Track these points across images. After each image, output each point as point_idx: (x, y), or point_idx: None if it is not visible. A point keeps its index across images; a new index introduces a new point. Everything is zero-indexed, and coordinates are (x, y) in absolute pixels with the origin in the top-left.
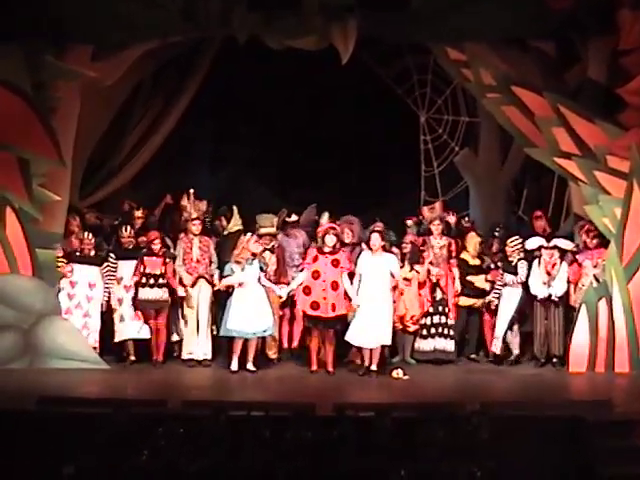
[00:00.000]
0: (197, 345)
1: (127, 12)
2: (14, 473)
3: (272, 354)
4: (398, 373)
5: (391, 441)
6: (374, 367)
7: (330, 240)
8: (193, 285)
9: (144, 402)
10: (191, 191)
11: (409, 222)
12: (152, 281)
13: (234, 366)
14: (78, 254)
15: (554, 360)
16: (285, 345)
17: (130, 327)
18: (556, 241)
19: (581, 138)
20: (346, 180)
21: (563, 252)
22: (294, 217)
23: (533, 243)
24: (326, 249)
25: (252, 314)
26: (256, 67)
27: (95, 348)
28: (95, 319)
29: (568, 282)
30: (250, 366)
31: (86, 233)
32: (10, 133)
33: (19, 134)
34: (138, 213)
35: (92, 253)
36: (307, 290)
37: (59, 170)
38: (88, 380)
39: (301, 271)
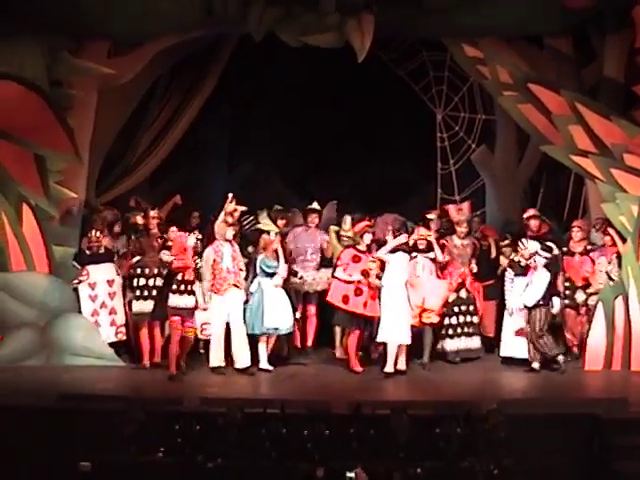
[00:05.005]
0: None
1: (145, 8)
2: (33, 468)
3: (284, 352)
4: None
5: (408, 439)
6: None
7: (367, 238)
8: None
9: (160, 400)
10: (230, 195)
11: (431, 215)
12: (182, 287)
13: (266, 364)
14: (88, 253)
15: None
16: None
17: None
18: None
19: (598, 136)
20: (362, 177)
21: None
22: (315, 204)
23: (530, 247)
24: (362, 247)
25: (283, 311)
26: (272, 65)
27: (122, 342)
28: (120, 314)
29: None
30: (267, 364)
31: (93, 231)
32: (27, 130)
33: (36, 131)
34: (153, 213)
35: (102, 250)
36: (359, 291)
37: (75, 167)
38: (105, 377)
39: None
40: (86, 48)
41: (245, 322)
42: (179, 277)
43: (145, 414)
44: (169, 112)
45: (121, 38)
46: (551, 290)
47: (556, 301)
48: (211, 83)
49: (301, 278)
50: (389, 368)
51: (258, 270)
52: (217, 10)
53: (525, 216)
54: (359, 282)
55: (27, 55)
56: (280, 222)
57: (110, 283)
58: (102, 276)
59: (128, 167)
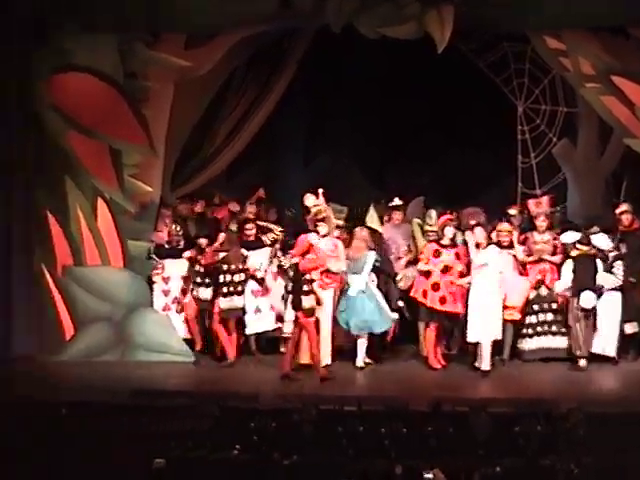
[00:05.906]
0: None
1: (223, 1)
2: (108, 465)
3: None
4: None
5: (487, 437)
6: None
7: (449, 232)
8: None
9: (236, 396)
10: (320, 191)
11: (512, 211)
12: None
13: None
14: (167, 247)
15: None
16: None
17: (265, 319)
18: (593, 238)
19: None
20: (441, 167)
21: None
22: (397, 200)
23: (568, 237)
24: (445, 242)
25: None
26: (350, 56)
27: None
28: (189, 310)
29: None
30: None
31: (174, 225)
32: (102, 123)
33: (111, 124)
34: (250, 208)
35: (181, 245)
36: (436, 286)
37: (151, 160)
38: (179, 373)
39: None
40: (163, 40)
41: (356, 323)
42: (307, 277)
43: (219, 410)
44: (246, 104)
45: (198, 30)
46: (586, 284)
47: (584, 295)
48: (288, 75)
49: (400, 280)
50: (486, 366)
51: (369, 267)
52: (294, 2)
53: (617, 211)
54: (432, 275)
55: (103, 48)
56: (385, 218)
57: (184, 279)
58: (177, 271)
59: (205, 160)
